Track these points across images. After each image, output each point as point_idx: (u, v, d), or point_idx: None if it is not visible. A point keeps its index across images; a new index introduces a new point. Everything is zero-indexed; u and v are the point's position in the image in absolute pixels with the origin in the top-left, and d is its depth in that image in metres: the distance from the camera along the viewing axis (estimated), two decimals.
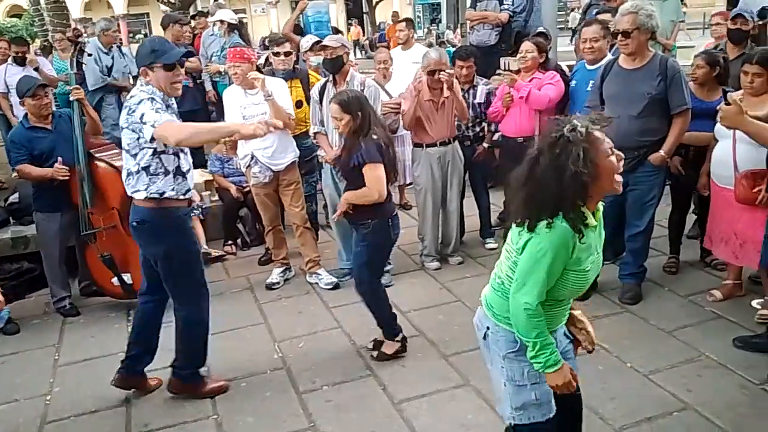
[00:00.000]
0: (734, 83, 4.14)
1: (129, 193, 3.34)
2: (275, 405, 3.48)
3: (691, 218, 4.95)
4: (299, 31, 7.59)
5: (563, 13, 23.53)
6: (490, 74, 5.36)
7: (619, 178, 2.16)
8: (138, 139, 3.18)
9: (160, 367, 3.66)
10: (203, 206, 5.83)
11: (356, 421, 3.30)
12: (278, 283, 5.00)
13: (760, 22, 6.75)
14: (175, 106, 3.40)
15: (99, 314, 4.73)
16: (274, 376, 3.76)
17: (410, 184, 5.74)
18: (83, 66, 5.13)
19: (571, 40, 8.43)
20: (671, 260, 4.76)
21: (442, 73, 4.60)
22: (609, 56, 4.52)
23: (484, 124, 5.29)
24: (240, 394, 3.61)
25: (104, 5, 38.05)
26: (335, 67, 4.60)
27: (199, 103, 7.31)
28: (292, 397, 3.54)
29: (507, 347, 2.28)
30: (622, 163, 2.17)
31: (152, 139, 3.13)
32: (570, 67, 5.70)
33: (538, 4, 6.66)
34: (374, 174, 3.54)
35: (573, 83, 4.85)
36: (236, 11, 11.67)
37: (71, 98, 4.49)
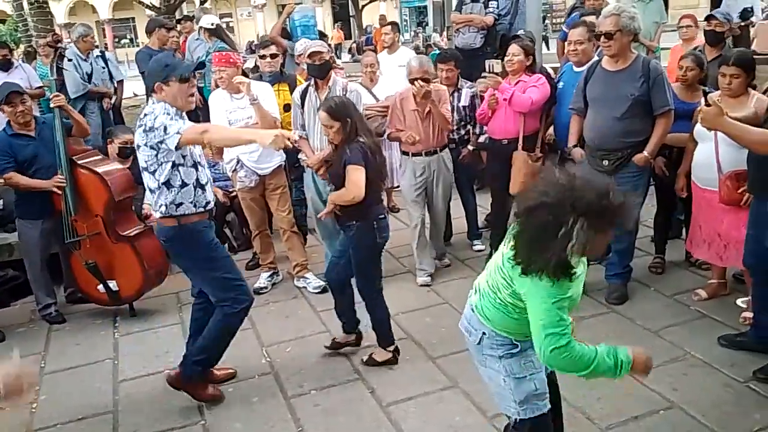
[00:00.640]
0: (712, 84, 4.18)
1: (153, 211, 3.39)
2: (263, 410, 3.48)
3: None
4: (286, 35, 7.59)
5: (548, 16, 23.64)
6: (475, 77, 5.38)
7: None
8: (156, 155, 3.20)
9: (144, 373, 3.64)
10: None
11: (344, 424, 3.31)
12: (266, 287, 4.99)
13: (742, 23, 6.83)
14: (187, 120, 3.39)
15: (85, 321, 4.70)
16: (261, 381, 3.76)
17: (398, 187, 5.75)
18: (64, 72, 5.10)
19: (548, 46, 8.47)
20: (657, 260, 4.80)
21: (415, 82, 4.53)
22: (595, 58, 4.56)
23: (469, 127, 5.31)
24: (228, 399, 3.59)
25: (89, 10, 37.86)
26: (322, 72, 4.58)
27: None
28: (280, 402, 3.54)
29: (505, 350, 2.33)
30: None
31: (177, 148, 3.15)
32: (555, 69, 5.75)
33: (523, 7, 6.70)
34: (354, 176, 3.54)
35: (560, 85, 4.88)
36: (222, 15, 11.70)
37: (51, 105, 4.47)
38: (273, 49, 5.27)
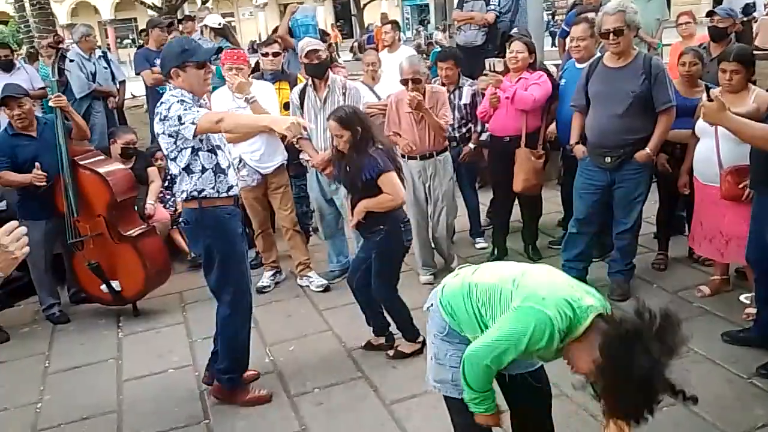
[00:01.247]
0: (714, 81, 4.17)
1: (177, 196, 3.39)
2: (266, 409, 3.48)
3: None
4: (291, 33, 7.59)
5: (550, 13, 23.59)
6: (476, 75, 5.38)
7: None
8: (175, 142, 3.21)
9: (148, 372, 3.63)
10: None
11: (347, 423, 3.31)
12: (268, 286, 5.00)
13: (744, 19, 6.82)
14: (207, 105, 3.39)
15: (89, 321, 4.71)
16: (264, 380, 3.75)
17: None
18: (65, 72, 5.11)
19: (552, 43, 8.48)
20: (659, 257, 4.79)
21: (409, 94, 4.40)
22: (597, 54, 4.55)
23: (470, 125, 5.31)
24: None
25: (91, 11, 37.92)
26: (320, 71, 4.57)
27: None
28: (283, 401, 3.54)
29: (437, 328, 2.43)
30: None
31: (194, 137, 3.14)
32: (557, 66, 5.74)
33: (524, 4, 6.69)
34: (392, 181, 3.58)
35: (562, 82, 4.88)
36: (224, 15, 11.70)
37: (51, 104, 4.48)
38: (275, 47, 5.28)
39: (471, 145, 5.30)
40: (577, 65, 4.71)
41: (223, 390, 3.54)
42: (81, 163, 4.53)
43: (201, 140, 3.24)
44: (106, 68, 7.25)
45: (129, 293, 4.61)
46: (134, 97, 11.49)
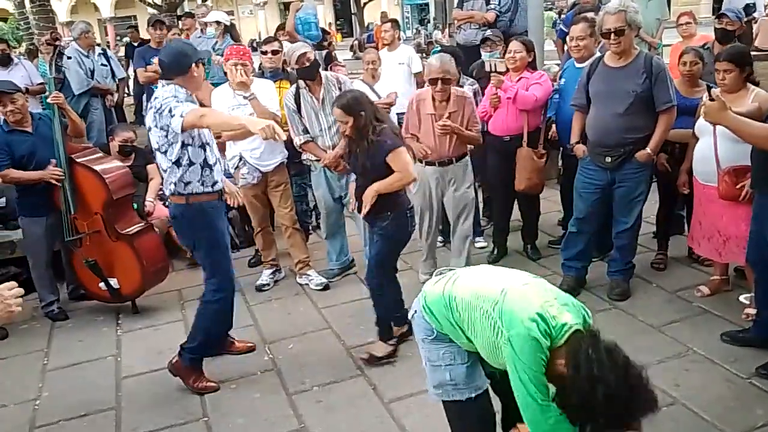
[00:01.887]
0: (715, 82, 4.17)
1: (165, 189, 3.55)
2: (265, 406, 3.48)
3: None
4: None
5: (557, 11, 23.58)
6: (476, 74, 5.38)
7: None
8: (167, 135, 3.32)
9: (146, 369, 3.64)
10: None
11: (346, 421, 3.31)
12: (268, 284, 4.99)
13: (745, 19, 6.83)
14: (197, 105, 3.47)
15: (88, 318, 4.71)
16: (264, 378, 3.76)
17: None
18: (63, 70, 5.11)
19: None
20: (659, 256, 4.79)
21: (442, 122, 4.19)
22: (597, 54, 4.55)
23: None
24: (230, 395, 3.60)
25: (91, 8, 37.87)
26: (312, 73, 4.53)
27: None
28: (282, 398, 3.54)
29: (424, 333, 2.46)
30: None
31: (183, 130, 3.24)
32: (559, 65, 5.74)
33: (524, 3, 6.69)
34: (402, 158, 3.60)
35: (562, 81, 4.87)
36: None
37: (49, 101, 4.47)
38: (274, 45, 5.27)
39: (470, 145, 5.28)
40: (577, 65, 4.70)
41: (181, 366, 3.65)
42: (78, 160, 4.51)
43: (192, 136, 3.37)
44: (105, 65, 7.26)
45: (127, 291, 4.61)
46: (128, 95, 11.45)
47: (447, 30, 14.17)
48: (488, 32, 5.84)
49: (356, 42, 24.63)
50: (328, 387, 3.61)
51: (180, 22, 8.67)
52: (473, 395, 2.47)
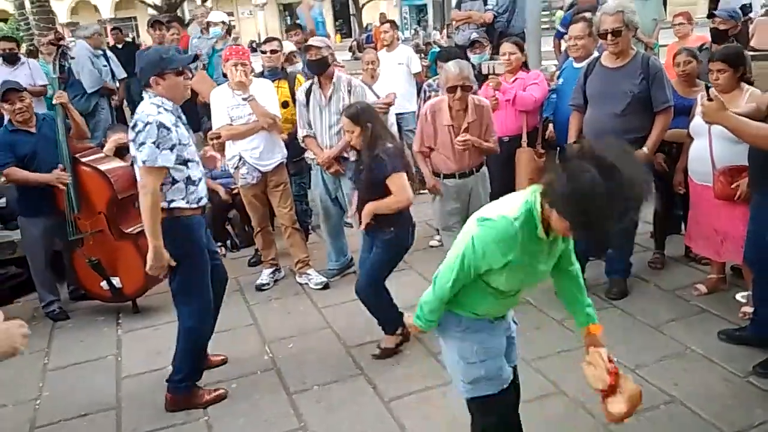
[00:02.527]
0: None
1: None
2: (266, 406, 3.49)
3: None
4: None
5: (547, 13, 23.63)
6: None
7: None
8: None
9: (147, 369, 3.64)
10: None
11: (346, 420, 3.32)
12: (268, 284, 5.01)
13: (742, 19, 6.84)
14: (183, 117, 3.37)
15: (88, 318, 4.72)
16: (264, 377, 3.77)
17: None
18: (65, 69, 5.13)
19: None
20: (656, 255, 4.81)
21: (461, 137, 4.04)
22: (595, 54, 4.57)
23: None
24: (230, 395, 3.61)
25: (91, 9, 37.85)
26: (320, 68, 4.58)
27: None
28: (283, 398, 3.56)
29: (452, 326, 2.44)
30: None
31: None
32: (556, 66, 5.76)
33: (522, 4, 6.71)
34: (401, 182, 3.59)
35: (560, 81, 4.89)
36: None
37: (54, 101, 4.48)
38: (273, 45, 5.31)
39: None
40: (575, 65, 4.72)
41: (180, 398, 3.50)
42: (82, 160, 4.54)
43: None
44: (105, 66, 7.30)
45: (129, 290, 4.62)
46: None
47: (445, 31, 14.17)
48: (474, 34, 5.83)
49: (355, 43, 24.65)
50: (328, 386, 3.62)
51: (187, 27, 8.70)
52: (504, 386, 2.45)
